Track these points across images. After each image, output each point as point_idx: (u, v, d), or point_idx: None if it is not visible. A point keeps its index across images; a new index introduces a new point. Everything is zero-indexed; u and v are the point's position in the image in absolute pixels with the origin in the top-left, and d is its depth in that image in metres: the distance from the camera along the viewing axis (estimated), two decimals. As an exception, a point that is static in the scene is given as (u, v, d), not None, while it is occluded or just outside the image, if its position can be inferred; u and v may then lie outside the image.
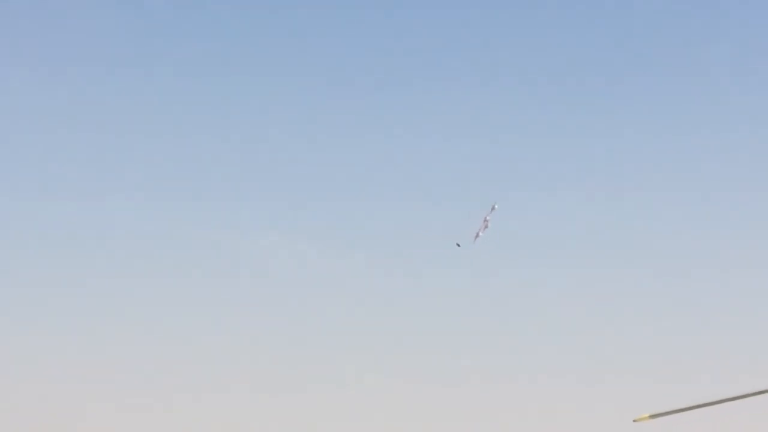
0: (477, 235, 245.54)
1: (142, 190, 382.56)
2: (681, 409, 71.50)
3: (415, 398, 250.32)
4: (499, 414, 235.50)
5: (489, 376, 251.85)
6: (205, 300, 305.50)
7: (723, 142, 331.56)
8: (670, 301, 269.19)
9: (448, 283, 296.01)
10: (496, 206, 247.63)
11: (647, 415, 74.17)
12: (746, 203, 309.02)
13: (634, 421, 74.20)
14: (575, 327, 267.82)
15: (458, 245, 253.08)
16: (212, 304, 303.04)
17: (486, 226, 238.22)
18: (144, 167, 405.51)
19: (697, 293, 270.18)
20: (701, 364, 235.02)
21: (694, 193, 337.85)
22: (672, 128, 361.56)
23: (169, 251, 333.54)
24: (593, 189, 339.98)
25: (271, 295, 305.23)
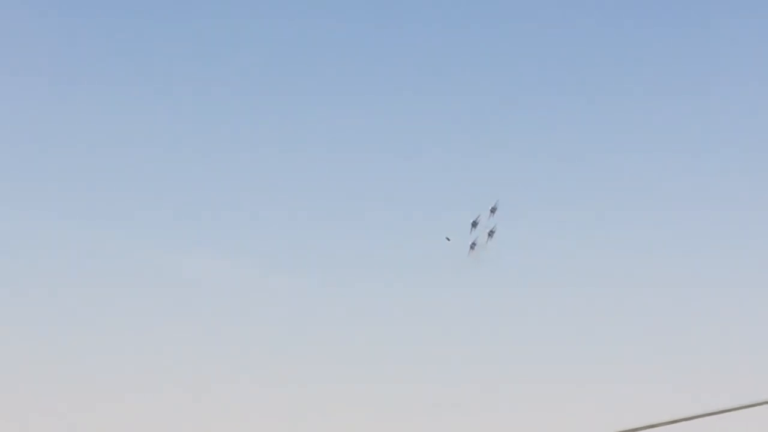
0: (472, 248, 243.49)
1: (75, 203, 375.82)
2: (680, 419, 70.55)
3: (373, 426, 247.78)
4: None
5: (468, 405, 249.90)
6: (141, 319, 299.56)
7: (740, 160, 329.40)
8: (676, 320, 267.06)
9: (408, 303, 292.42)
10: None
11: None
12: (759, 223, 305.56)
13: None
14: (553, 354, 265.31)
15: (448, 239, 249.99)
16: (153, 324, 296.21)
17: (475, 245, 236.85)
18: (79, 184, 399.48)
19: (703, 309, 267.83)
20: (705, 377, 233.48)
21: (703, 210, 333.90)
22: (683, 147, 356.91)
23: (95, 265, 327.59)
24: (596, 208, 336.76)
25: (205, 316, 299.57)
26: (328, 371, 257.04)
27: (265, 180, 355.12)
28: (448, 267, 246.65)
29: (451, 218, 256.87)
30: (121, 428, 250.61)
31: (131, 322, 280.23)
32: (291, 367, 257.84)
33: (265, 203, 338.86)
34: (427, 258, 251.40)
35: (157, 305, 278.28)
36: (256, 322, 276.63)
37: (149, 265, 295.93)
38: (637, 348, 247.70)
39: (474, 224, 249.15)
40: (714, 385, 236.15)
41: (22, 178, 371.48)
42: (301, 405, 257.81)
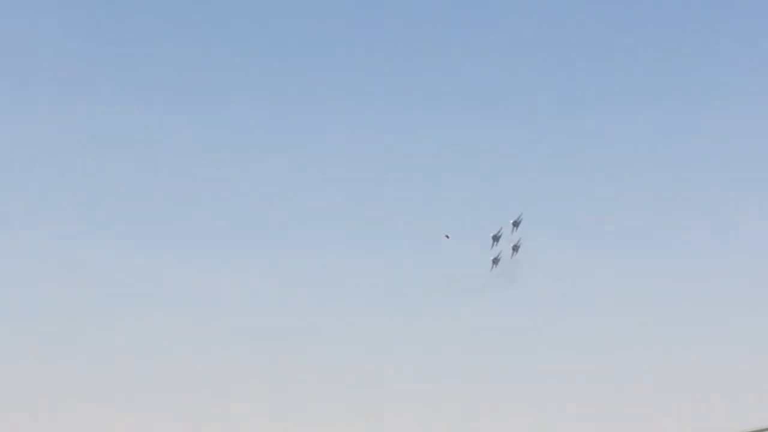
0: (495, 264, 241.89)
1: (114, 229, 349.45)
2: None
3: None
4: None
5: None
6: (169, 334, 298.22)
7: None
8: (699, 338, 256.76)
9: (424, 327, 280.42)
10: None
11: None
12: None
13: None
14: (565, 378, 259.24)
15: (447, 237, 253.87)
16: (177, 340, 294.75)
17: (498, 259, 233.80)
18: (111, 204, 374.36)
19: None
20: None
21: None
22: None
23: (135, 288, 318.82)
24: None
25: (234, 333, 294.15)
26: (348, 386, 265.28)
27: (292, 201, 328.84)
28: (470, 286, 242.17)
29: (471, 234, 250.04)
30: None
31: (168, 341, 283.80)
32: (319, 379, 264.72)
33: (293, 223, 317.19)
34: (450, 276, 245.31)
35: (190, 323, 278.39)
36: (283, 339, 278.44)
37: (182, 285, 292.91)
38: (664, 368, 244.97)
39: (495, 238, 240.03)
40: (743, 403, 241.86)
41: (55, 202, 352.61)
42: (321, 417, 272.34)
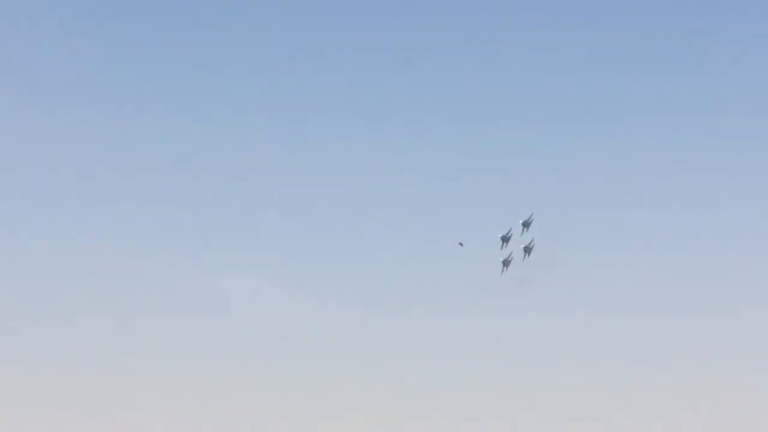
0: (505, 267, 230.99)
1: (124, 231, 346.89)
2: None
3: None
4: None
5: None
6: (174, 338, 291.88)
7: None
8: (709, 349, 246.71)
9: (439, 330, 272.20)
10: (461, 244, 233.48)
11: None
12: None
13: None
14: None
15: (461, 244, 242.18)
16: (183, 342, 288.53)
17: (508, 262, 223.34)
18: (121, 209, 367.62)
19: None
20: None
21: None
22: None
23: (139, 290, 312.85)
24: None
25: (238, 334, 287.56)
26: (357, 390, 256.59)
27: (301, 206, 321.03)
28: (480, 291, 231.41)
29: (480, 236, 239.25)
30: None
31: (176, 341, 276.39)
32: (325, 383, 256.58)
33: (301, 227, 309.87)
34: (458, 281, 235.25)
35: (195, 323, 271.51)
36: (292, 342, 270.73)
37: (188, 286, 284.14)
38: (687, 379, 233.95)
39: (505, 239, 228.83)
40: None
41: (63, 205, 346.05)
42: (331, 420, 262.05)
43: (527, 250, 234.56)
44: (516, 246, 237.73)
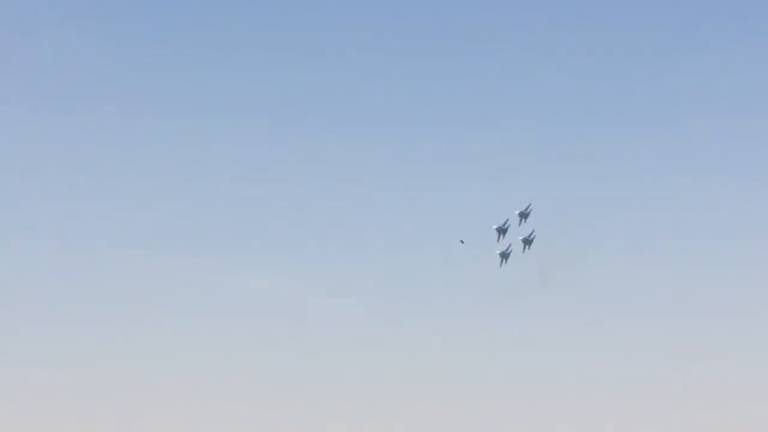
0: (504, 260, 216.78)
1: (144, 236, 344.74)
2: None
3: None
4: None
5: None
6: (201, 338, 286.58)
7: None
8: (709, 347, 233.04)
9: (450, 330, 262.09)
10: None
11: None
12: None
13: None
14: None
15: (462, 242, 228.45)
16: (208, 342, 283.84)
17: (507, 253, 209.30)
18: (147, 215, 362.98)
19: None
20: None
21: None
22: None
23: (168, 292, 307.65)
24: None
25: (267, 336, 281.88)
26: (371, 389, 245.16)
27: (318, 208, 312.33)
28: (478, 287, 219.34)
29: (475, 228, 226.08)
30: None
31: (201, 341, 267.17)
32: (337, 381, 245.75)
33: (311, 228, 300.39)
34: (457, 278, 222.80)
35: (216, 322, 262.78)
36: (316, 342, 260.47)
37: (210, 284, 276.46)
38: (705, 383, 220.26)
39: (501, 231, 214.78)
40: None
41: (83, 208, 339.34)
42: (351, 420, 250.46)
43: (527, 242, 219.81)
44: (514, 238, 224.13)
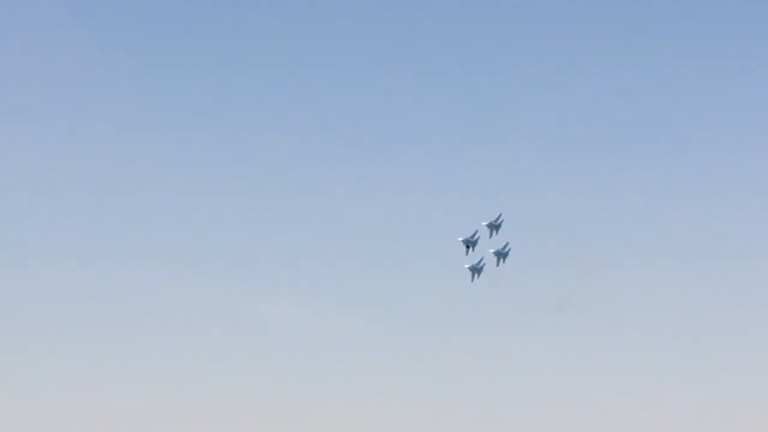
0: (475, 275, 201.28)
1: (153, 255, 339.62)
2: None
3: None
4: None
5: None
6: (209, 358, 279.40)
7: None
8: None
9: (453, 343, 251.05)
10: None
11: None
12: None
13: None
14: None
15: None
16: (216, 362, 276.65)
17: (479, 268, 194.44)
18: (154, 233, 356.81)
19: None
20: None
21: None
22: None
23: (175, 311, 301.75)
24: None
25: (272, 356, 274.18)
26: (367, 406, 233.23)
27: (324, 226, 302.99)
28: (446, 304, 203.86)
29: (443, 244, 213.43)
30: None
31: (217, 364, 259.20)
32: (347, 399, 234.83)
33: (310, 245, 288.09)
34: (426, 297, 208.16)
35: (233, 347, 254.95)
36: (326, 363, 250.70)
37: (226, 309, 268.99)
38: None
39: (468, 244, 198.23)
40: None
41: (101, 232, 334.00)
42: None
43: (500, 255, 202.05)
44: (486, 251, 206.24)
